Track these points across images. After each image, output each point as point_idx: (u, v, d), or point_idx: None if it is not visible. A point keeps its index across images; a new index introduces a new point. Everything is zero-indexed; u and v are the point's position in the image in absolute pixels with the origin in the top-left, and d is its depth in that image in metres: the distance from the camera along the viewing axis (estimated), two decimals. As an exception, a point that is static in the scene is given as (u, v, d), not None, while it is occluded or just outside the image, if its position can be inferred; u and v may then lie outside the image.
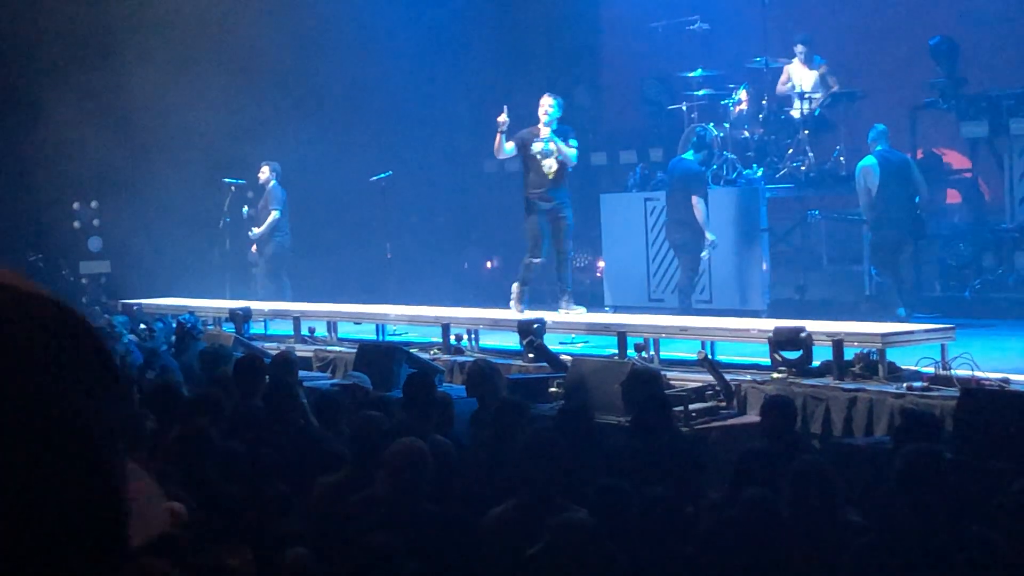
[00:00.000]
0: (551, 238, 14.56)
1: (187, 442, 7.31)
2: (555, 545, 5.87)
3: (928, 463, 6.21)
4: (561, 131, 14.32)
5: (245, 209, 19.58)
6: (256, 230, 19.22)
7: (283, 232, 19.31)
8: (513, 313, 14.50)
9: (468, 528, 6.61)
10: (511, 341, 13.79)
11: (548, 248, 14.59)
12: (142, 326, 16.23)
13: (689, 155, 15.85)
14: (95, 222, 21.79)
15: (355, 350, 14.02)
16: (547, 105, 14.34)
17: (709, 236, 15.41)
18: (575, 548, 5.83)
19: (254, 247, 19.34)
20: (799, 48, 17.58)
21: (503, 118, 14.28)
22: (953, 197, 17.69)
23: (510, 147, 14.41)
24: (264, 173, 19.26)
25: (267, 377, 9.78)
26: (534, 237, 14.55)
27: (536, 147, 14.29)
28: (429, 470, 6.74)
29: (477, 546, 6.51)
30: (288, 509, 6.19)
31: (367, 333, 15.95)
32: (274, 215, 19.11)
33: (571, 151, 14.29)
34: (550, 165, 14.23)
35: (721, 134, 17.22)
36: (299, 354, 13.99)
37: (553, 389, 12.09)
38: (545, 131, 14.22)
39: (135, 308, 18.25)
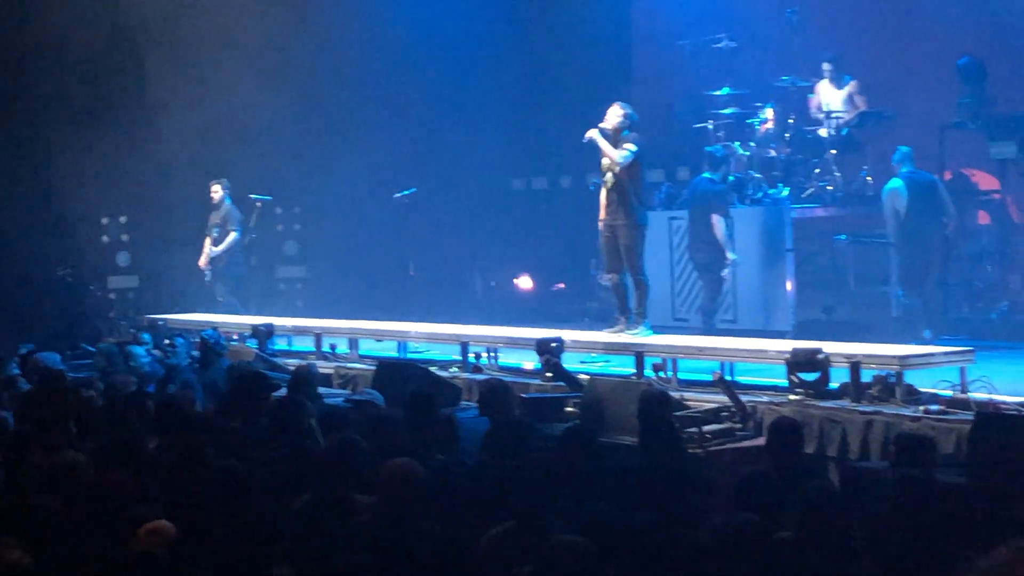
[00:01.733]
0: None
1: (183, 460, 7.28)
2: (546, 567, 5.79)
3: (918, 489, 6.11)
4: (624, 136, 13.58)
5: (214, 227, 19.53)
6: (213, 248, 19.25)
7: (238, 251, 19.35)
8: (532, 332, 14.38)
9: (462, 550, 6.52)
10: (532, 360, 13.70)
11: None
12: (166, 342, 16.23)
13: (708, 174, 15.77)
14: (123, 237, 21.86)
15: (375, 367, 13.99)
16: (611, 114, 13.69)
17: (730, 255, 15.30)
18: (566, 571, 5.74)
19: (203, 261, 19.34)
20: (826, 66, 17.47)
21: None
22: (982, 218, 17.50)
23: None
24: (216, 193, 19.28)
25: (274, 395, 9.75)
26: (602, 254, 14.14)
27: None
28: (421, 490, 6.66)
29: (470, 568, 6.42)
30: (277, 530, 6.14)
31: (388, 350, 15.90)
32: (233, 236, 19.17)
33: (616, 150, 13.47)
34: (608, 179, 13.72)
35: (747, 153, 17.13)
36: (320, 371, 13.98)
37: (569, 409, 12.00)
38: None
39: (161, 323, 18.27)
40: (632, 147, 13.53)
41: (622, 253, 13.76)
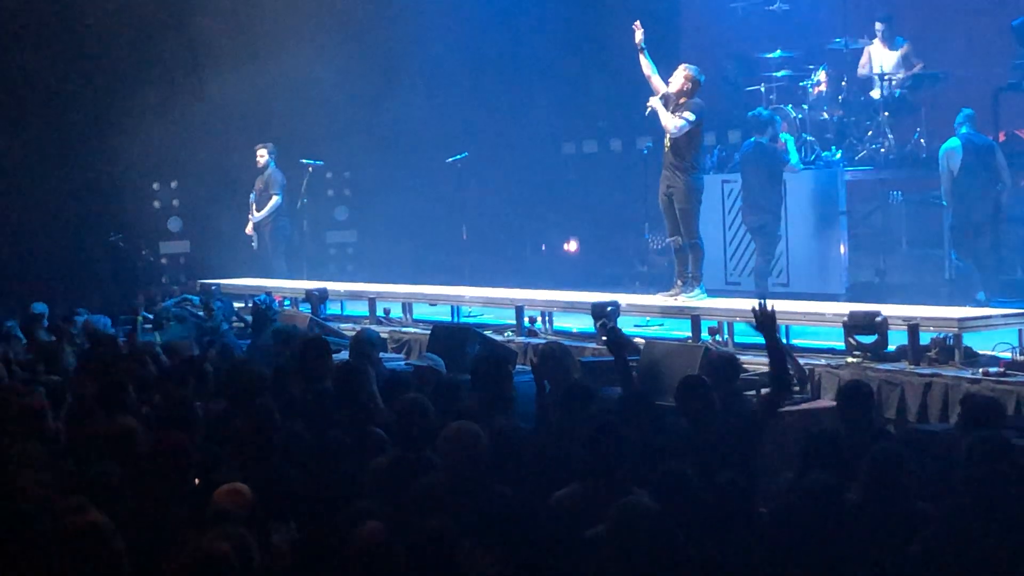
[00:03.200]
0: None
1: (251, 425, 7.35)
2: (617, 528, 5.83)
3: (994, 450, 6.11)
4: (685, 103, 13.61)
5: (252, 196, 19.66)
6: (257, 213, 19.35)
7: (283, 215, 19.44)
8: (587, 296, 14.40)
9: (531, 511, 6.57)
10: (586, 324, 13.72)
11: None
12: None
13: (758, 137, 15.78)
14: (175, 202, 21.96)
15: (429, 331, 14.03)
16: (675, 77, 13.71)
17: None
18: (637, 531, 5.79)
19: (250, 228, 19.46)
20: (879, 26, 17.38)
21: (638, 35, 13.64)
22: (1037, 180, 17.39)
23: (653, 75, 13.73)
24: (262, 156, 19.39)
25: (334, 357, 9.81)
26: (664, 217, 14.16)
27: None
28: (484, 453, 6.72)
29: (540, 529, 6.47)
30: (347, 491, 6.20)
31: (442, 315, 15.93)
32: (275, 200, 19.27)
33: (672, 119, 13.44)
34: (667, 142, 13.72)
35: (800, 115, 17.10)
36: (375, 335, 14.00)
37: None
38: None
39: (214, 288, 18.35)
40: (690, 115, 13.50)
41: (678, 216, 13.78)
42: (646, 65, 13.79)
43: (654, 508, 5.82)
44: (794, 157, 16.17)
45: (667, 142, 13.72)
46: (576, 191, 21.97)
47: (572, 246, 21.63)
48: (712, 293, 14.27)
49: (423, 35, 21.22)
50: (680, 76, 13.71)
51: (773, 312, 8.60)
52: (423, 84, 21.52)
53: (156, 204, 21.96)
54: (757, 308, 8.67)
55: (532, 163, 22.08)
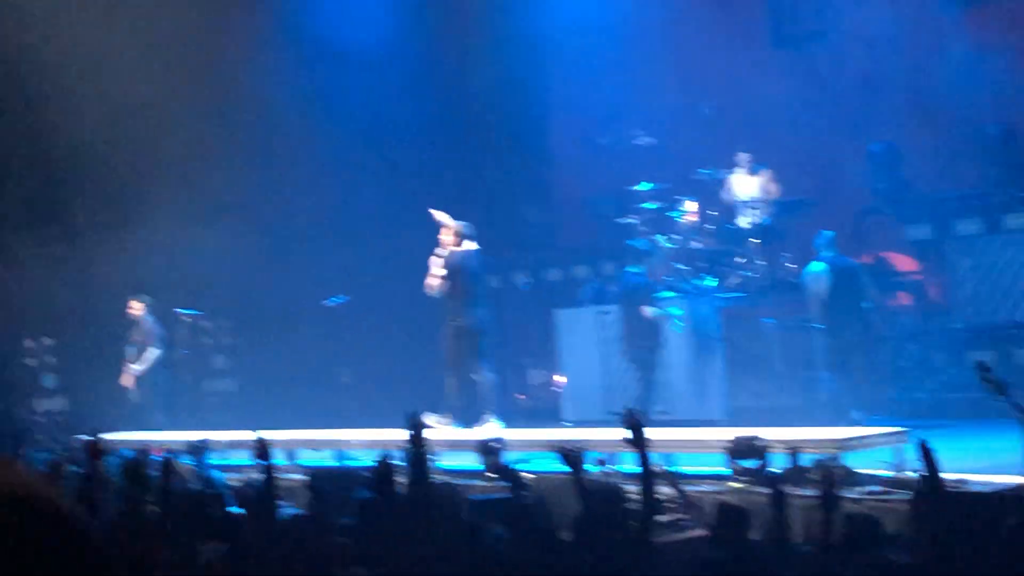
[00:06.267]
0: None
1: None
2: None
3: (879, 571, 6.23)
4: None
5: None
6: (135, 365, 19.29)
7: (161, 366, 19.48)
8: (473, 433, 14.47)
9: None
10: (471, 461, 13.73)
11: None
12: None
13: (635, 268, 16.03)
14: (49, 359, 21.69)
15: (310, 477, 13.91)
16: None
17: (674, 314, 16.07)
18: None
19: (125, 380, 19.39)
20: (742, 156, 17.80)
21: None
22: (903, 299, 17.82)
23: None
24: (137, 309, 19.37)
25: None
26: None
27: None
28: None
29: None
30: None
31: (327, 459, 15.85)
32: (153, 351, 19.26)
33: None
34: None
35: (672, 245, 17.38)
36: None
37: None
38: None
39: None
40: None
41: None
42: None
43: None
44: (676, 326, 16.43)
45: None
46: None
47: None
48: (593, 423, 14.40)
49: (298, 182, 21.33)
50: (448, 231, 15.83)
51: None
52: (301, 231, 21.55)
53: (29, 362, 21.66)
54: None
55: (408, 303, 22.12)
